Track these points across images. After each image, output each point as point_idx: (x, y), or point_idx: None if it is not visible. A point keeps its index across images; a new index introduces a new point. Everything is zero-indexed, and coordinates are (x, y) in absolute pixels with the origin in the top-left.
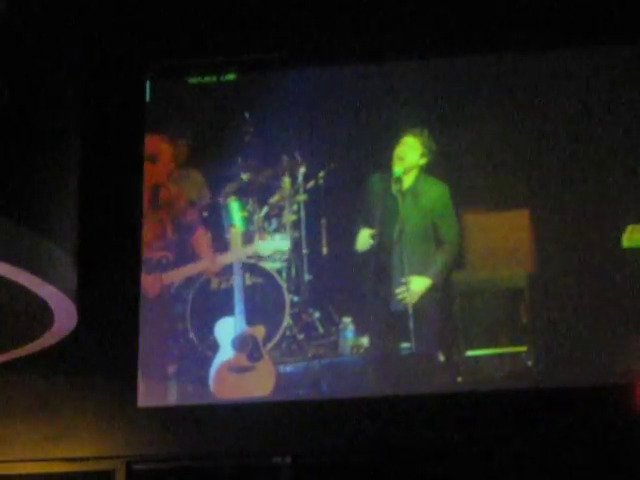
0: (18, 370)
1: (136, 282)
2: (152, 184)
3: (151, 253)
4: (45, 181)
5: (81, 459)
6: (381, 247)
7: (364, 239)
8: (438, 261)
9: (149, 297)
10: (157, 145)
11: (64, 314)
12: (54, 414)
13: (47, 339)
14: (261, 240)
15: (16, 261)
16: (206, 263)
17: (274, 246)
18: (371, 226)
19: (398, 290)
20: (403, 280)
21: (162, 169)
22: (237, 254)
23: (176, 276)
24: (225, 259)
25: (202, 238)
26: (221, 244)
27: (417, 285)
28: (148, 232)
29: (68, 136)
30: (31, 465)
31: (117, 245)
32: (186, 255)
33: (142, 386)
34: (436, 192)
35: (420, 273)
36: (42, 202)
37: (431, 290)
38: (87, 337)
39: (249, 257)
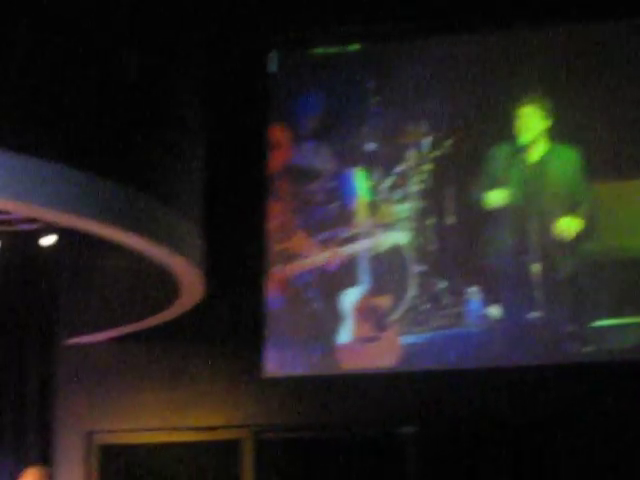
0: (147, 340)
1: (262, 251)
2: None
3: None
4: (174, 157)
5: (209, 428)
6: (511, 213)
7: (495, 197)
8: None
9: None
10: (277, 135)
11: (192, 284)
12: (182, 383)
13: (175, 309)
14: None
15: (145, 233)
16: (328, 254)
17: (397, 213)
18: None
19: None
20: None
21: (281, 158)
22: (360, 233)
23: (298, 268)
24: (346, 251)
25: (301, 241)
26: (344, 218)
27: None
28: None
29: (194, 114)
30: (159, 434)
31: (243, 217)
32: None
33: (269, 356)
34: (567, 158)
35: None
36: (169, 176)
37: (561, 258)
38: (214, 308)
39: (374, 226)
